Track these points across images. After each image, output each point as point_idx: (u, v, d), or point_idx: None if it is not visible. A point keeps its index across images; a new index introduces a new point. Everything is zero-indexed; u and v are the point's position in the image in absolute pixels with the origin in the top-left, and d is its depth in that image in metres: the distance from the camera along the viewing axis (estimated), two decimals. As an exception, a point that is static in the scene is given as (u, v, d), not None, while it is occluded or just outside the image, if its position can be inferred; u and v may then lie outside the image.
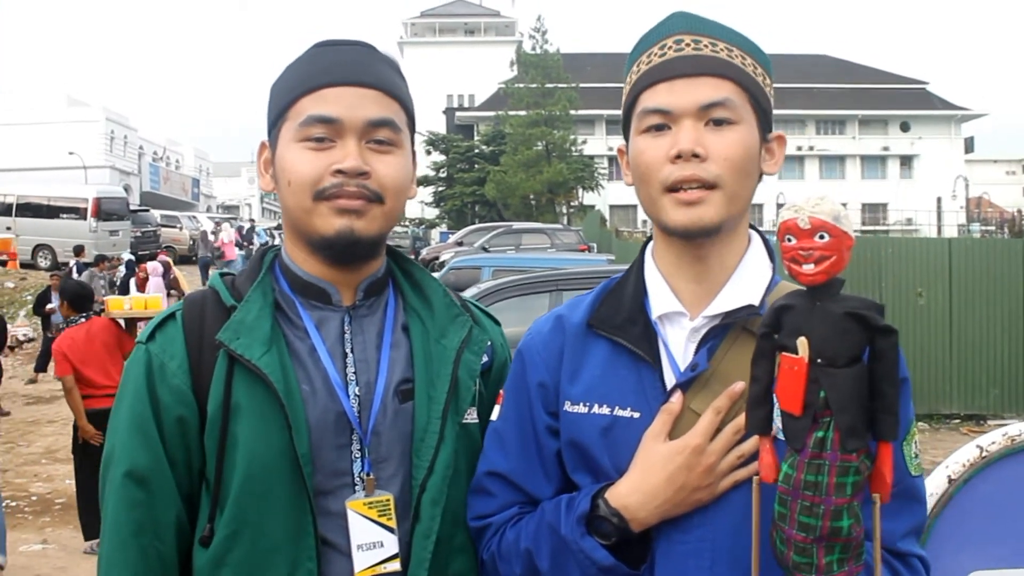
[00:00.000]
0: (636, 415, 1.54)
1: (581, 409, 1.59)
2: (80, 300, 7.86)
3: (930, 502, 2.01)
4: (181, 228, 36.43)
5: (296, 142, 1.61)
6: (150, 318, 4.67)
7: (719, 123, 1.51)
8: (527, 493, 1.64)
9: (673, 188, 1.51)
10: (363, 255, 1.66)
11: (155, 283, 18.79)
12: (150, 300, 8.66)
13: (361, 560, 1.56)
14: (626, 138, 1.63)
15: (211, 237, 30.33)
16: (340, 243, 1.60)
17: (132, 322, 8.20)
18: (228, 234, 32.33)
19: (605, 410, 1.56)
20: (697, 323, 1.55)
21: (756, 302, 1.53)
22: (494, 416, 1.71)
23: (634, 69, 1.60)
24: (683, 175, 1.49)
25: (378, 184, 1.60)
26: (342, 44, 1.68)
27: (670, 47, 1.55)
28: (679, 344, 1.56)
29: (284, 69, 1.70)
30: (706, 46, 1.54)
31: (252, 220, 42.69)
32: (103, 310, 8.45)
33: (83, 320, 7.67)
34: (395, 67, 1.71)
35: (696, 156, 1.48)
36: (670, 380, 1.54)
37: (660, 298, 1.59)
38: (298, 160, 1.60)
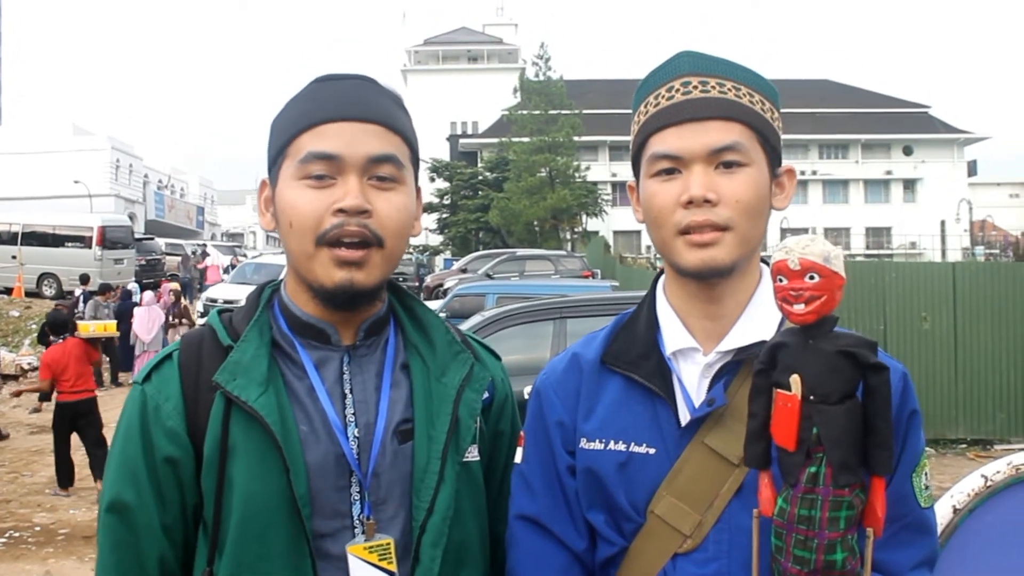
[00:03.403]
0: (651, 451, 1.55)
1: (597, 446, 1.59)
2: (58, 326, 11.03)
3: (935, 532, 2.00)
4: (186, 256, 36.46)
5: (296, 180, 1.58)
6: (106, 337, 8.61)
7: (729, 166, 1.51)
8: (555, 535, 1.64)
9: (686, 231, 1.52)
10: (363, 303, 1.63)
11: (143, 312, 18.49)
12: (108, 325, 12.41)
13: None
14: (635, 175, 1.64)
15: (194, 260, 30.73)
16: (340, 295, 1.58)
17: (99, 339, 11.44)
18: (214, 258, 32.40)
19: (621, 446, 1.57)
20: (710, 359, 1.56)
21: (768, 337, 1.52)
22: (517, 458, 1.71)
23: (642, 109, 1.61)
24: (695, 220, 1.50)
25: (379, 224, 1.57)
26: (342, 78, 1.64)
27: (678, 89, 1.55)
28: (693, 380, 1.57)
29: (284, 105, 1.66)
30: (714, 87, 1.54)
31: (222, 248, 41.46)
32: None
33: (60, 340, 10.69)
34: (397, 100, 1.67)
35: (707, 201, 1.49)
36: (684, 416, 1.55)
37: (673, 334, 1.60)
38: (299, 199, 1.57)
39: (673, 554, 1.51)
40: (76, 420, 10.29)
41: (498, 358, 1.86)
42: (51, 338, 11.25)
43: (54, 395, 10.69)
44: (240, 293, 22.64)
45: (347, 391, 1.63)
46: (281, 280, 1.73)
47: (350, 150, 1.57)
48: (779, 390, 1.29)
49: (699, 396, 1.55)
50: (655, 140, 1.55)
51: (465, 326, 9.00)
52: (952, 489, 2.17)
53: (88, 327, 11.54)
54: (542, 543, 1.64)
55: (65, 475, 10.49)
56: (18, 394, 12.12)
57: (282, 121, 1.65)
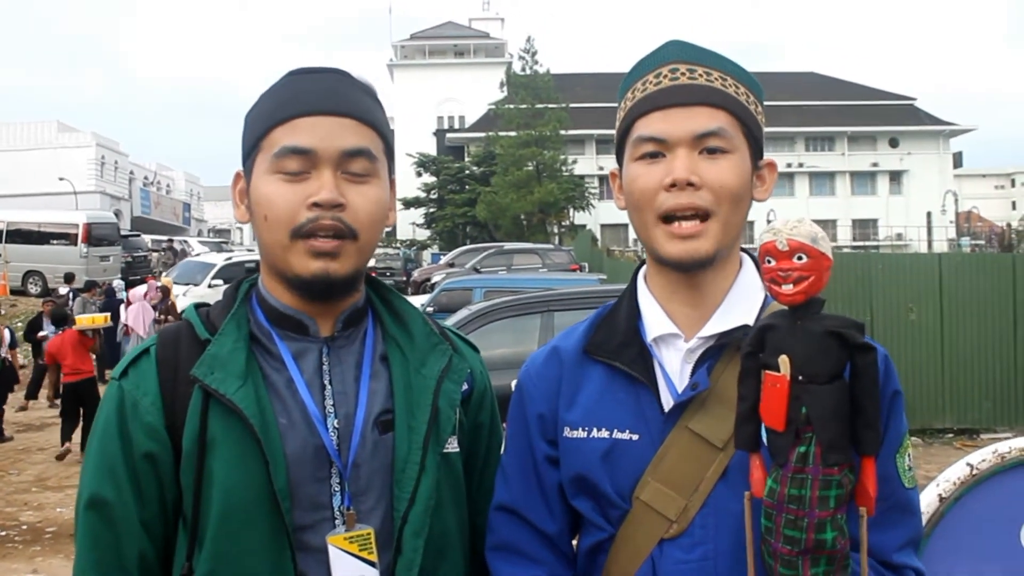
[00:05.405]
0: (635, 437, 1.56)
1: (580, 434, 1.60)
2: (59, 319, 14.40)
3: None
4: (172, 253, 36.25)
5: (270, 174, 1.58)
6: (97, 327, 13.57)
7: (713, 152, 1.53)
8: (530, 523, 1.66)
9: (667, 218, 1.53)
10: (340, 293, 1.64)
11: (136, 308, 18.52)
12: (96, 318, 14.07)
13: None
14: (619, 162, 1.65)
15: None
16: (316, 285, 1.58)
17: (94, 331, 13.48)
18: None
19: (604, 434, 1.58)
20: (692, 344, 1.57)
21: (751, 322, 1.54)
22: (502, 451, 1.74)
23: (628, 96, 1.62)
24: (678, 203, 1.51)
25: (353, 218, 1.57)
26: (316, 72, 1.65)
27: (665, 76, 1.57)
28: (675, 366, 1.58)
29: (258, 98, 1.67)
30: (701, 75, 1.56)
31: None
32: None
33: (61, 331, 13.33)
34: (371, 93, 1.68)
35: (691, 185, 1.50)
36: (667, 401, 1.55)
37: (655, 321, 1.61)
38: (273, 194, 1.57)
39: (660, 539, 1.52)
40: (80, 397, 12.38)
41: (476, 350, 1.87)
42: (47, 330, 14.56)
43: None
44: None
45: (326, 382, 1.63)
46: (257, 275, 1.73)
47: (324, 144, 1.57)
48: (768, 371, 1.30)
49: (681, 382, 1.56)
50: (641, 124, 1.57)
51: (452, 320, 9.00)
52: (938, 478, 2.18)
53: (83, 320, 13.88)
54: (515, 529, 1.67)
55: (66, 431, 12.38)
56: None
57: (257, 114, 1.65)
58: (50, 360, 13.62)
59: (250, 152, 1.64)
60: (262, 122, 1.62)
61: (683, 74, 1.56)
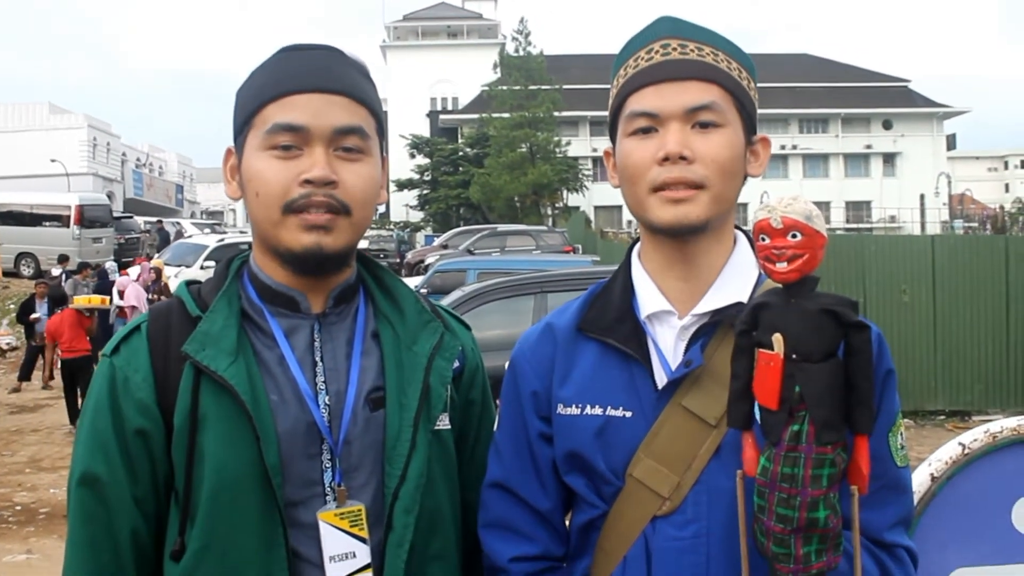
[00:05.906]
0: (628, 414, 1.56)
1: (574, 411, 1.60)
2: (58, 300, 15.86)
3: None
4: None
5: (262, 150, 1.58)
6: (94, 307, 14.80)
7: (705, 126, 1.53)
8: (523, 499, 1.66)
9: (660, 188, 1.53)
10: (332, 268, 1.64)
11: (132, 290, 18.58)
12: (93, 298, 14.93)
13: (334, 571, 1.54)
14: (612, 140, 1.65)
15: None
16: (308, 259, 1.58)
17: (91, 310, 14.30)
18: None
19: (597, 411, 1.58)
20: (686, 321, 1.57)
21: (744, 299, 1.54)
22: (494, 429, 1.74)
23: (621, 72, 1.62)
24: (670, 177, 1.51)
25: (345, 194, 1.57)
26: (308, 49, 1.64)
27: (657, 51, 1.57)
28: (668, 343, 1.58)
29: (250, 74, 1.66)
30: (692, 50, 1.56)
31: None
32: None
33: (60, 311, 14.16)
34: (363, 71, 1.68)
35: (683, 159, 1.50)
36: (660, 378, 1.55)
37: (648, 298, 1.61)
38: (265, 170, 1.57)
39: (653, 516, 1.52)
40: (75, 373, 12.98)
41: (468, 328, 1.87)
42: (40, 312, 15.94)
43: (56, 358, 14.40)
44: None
45: (318, 359, 1.63)
46: (249, 252, 1.73)
47: (316, 121, 1.57)
48: (761, 349, 1.30)
49: (675, 359, 1.56)
50: (633, 99, 1.57)
51: (446, 301, 9.00)
52: (930, 457, 2.18)
53: (80, 300, 14.73)
54: (508, 506, 1.67)
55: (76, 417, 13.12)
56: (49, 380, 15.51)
57: (248, 91, 1.64)
58: (50, 339, 14.31)
59: (241, 128, 1.63)
60: (254, 99, 1.61)
61: (675, 49, 1.56)
